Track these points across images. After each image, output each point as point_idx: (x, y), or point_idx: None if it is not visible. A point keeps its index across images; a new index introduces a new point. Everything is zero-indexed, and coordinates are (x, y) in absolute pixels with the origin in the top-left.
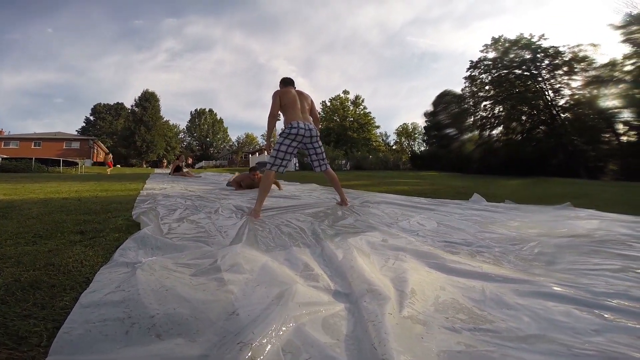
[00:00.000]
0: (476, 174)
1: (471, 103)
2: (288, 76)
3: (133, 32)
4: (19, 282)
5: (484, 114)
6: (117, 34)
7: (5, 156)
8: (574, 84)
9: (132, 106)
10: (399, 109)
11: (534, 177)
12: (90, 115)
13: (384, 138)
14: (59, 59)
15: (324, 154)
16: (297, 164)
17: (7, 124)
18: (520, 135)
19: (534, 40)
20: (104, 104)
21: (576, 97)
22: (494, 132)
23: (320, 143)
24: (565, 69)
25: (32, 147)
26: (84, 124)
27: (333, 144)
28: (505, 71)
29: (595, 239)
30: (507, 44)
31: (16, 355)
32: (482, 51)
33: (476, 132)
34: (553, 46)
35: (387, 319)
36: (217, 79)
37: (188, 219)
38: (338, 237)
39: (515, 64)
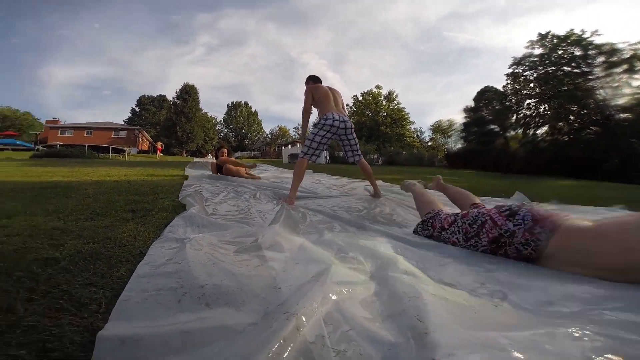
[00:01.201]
0: (518, 174)
1: (514, 100)
2: (315, 74)
3: (171, 27)
4: (80, 254)
5: (528, 112)
6: (156, 29)
7: (62, 143)
8: (635, 83)
9: (173, 98)
10: (434, 104)
11: (582, 180)
12: (136, 106)
13: (419, 134)
14: (106, 53)
15: (357, 146)
16: (327, 157)
17: (62, 113)
18: (567, 135)
19: (585, 36)
20: (147, 95)
21: (638, 96)
22: (539, 131)
23: (354, 135)
24: (624, 66)
25: (85, 135)
26: (130, 115)
27: (365, 139)
28: (552, 68)
29: None
30: (555, 40)
31: (77, 320)
32: (527, 47)
33: (519, 131)
34: (609, 43)
35: (424, 294)
36: (251, 73)
37: (229, 203)
38: (371, 225)
39: (564, 61)
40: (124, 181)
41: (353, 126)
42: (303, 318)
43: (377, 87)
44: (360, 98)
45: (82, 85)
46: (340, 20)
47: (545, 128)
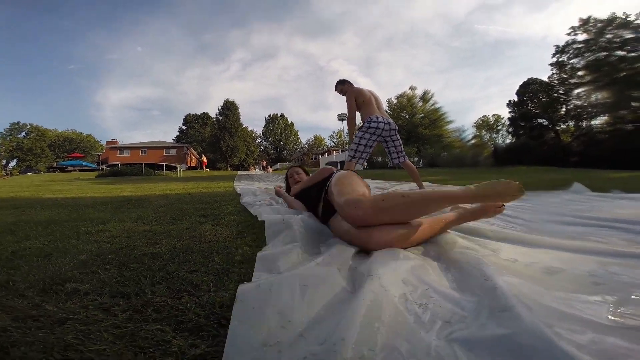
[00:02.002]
0: (575, 167)
1: (561, 91)
2: (344, 78)
3: (206, 46)
4: (176, 249)
5: (579, 102)
6: (193, 49)
7: (121, 162)
8: None
9: (216, 115)
10: (475, 100)
11: None
12: (183, 124)
13: (460, 133)
14: (151, 75)
15: (402, 147)
16: (365, 164)
17: (118, 134)
18: (631, 124)
19: (630, 19)
20: (192, 114)
21: None
22: (594, 122)
23: (398, 136)
24: None
25: (140, 154)
26: (178, 133)
27: (404, 142)
28: (604, 53)
29: None
30: (598, 25)
31: (194, 299)
32: (569, 34)
33: (570, 124)
34: None
35: (490, 260)
36: (284, 85)
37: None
38: None
39: (615, 45)
40: (185, 193)
41: (397, 127)
42: (384, 279)
43: (412, 88)
44: (394, 101)
45: (133, 106)
46: (364, 24)
47: (602, 118)
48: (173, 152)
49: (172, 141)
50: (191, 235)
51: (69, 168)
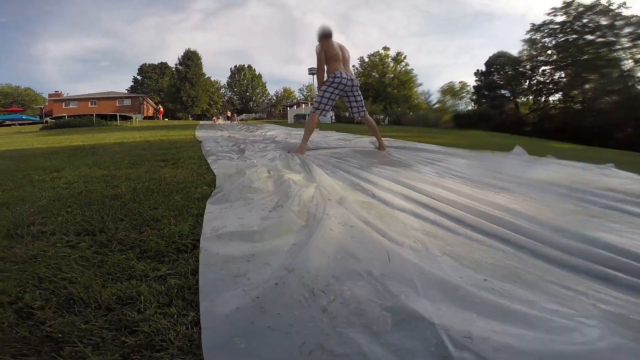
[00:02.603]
0: (528, 136)
1: (528, 67)
2: (327, 25)
3: None
4: (136, 190)
5: (542, 79)
6: None
7: (68, 114)
8: None
9: (176, 64)
10: (445, 67)
11: (591, 147)
12: (138, 74)
13: (427, 96)
14: (99, 25)
15: (362, 102)
16: (333, 117)
17: (61, 87)
18: (580, 104)
19: (612, 7)
20: (149, 63)
21: None
22: (551, 98)
23: (360, 92)
24: None
25: (90, 105)
26: (133, 83)
27: (371, 100)
28: (574, 36)
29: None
30: (580, 9)
31: (156, 232)
32: (549, 14)
33: (530, 98)
34: (636, 15)
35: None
36: (253, 36)
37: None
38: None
39: (588, 30)
40: (142, 141)
41: (359, 84)
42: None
43: (385, 48)
44: (366, 59)
45: (79, 58)
46: None
47: (557, 95)
48: (127, 102)
49: (126, 91)
50: (151, 177)
51: (7, 122)
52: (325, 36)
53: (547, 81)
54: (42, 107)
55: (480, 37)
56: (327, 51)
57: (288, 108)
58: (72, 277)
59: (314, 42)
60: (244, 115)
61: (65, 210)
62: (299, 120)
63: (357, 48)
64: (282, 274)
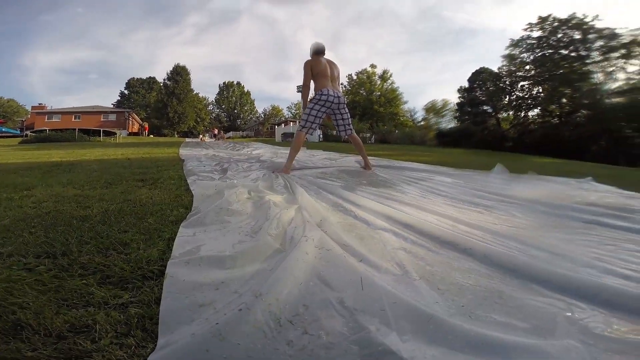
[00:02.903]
0: (510, 152)
1: (507, 82)
2: (320, 42)
3: (160, 7)
4: (108, 212)
5: (521, 94)
6: (144, 11)
7: (50, 128)
8: (631, 69)
9: (164, 79)
10: (429, 84)
11: (569, 160)
12: (125, 89)
13: (412, 114)
14: (91, 38)
15: (349, 120)
16: (320, 135)
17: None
18: (558, 118)
19: (587, 20)
20: (137, 78)
21: (633, 82)
22: (530, 113)
23: (347, 110)
24: (622, 51)
25: (73, 119)
26: (119, 98)
27: (358, 117)
28: (550, 51)
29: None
30: (555, 23)
31: (123, 256)
32: (525, 29)
33: (510, 113)
34: (608, 28)
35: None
36: (244, 52)
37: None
38: (358, 189)
39: (562, 44)
40: (123, 159)
41: (346, 101)
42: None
43: (372, 66)
44: (355, 77)
45: (67, 70)
46: None
47: (537, 110)
48: (112, 117)
49: (112, 106)
50: (126, 199)
51: None
52: (316, 52)
53: (526, 96)
54: (23, 119)
55: (463, 54)
56: (315, 67)
57: (276, 126)
58: (23, 302)
59: (304, 60)
60: (231, 133)
61: (28, 230)
62: (287, 139)
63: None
64: (248, 300)
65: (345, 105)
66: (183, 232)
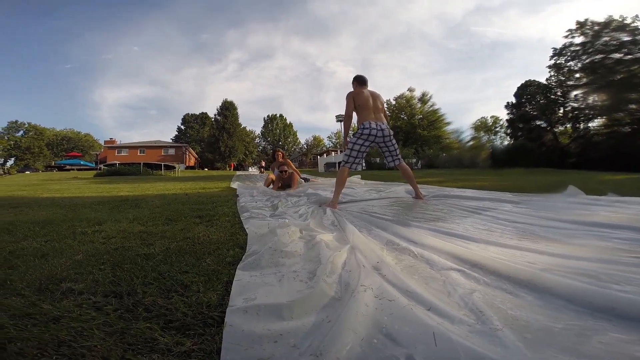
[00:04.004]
0: (574, 169)
1: (559, 93)
2: (362, 74)
3: (203, 46)
4: (169, 250)
5: (576, 104)
6: (190, 49)
7: (119, 162)
8: None
9: (215, 115)
10: (473, 102)
11: None
12: (181, 124)
13: (458, 135)
14: (147, 74)
15: (397, 151)
16: (364, 165)
17: (115, 134)
18: (629, 126)
19: (627, 22)
20: (191, 113)
21: None
22: (592, 124)
23: (394, 141)
24: None
25: (138, 153)
26: (177, 133)
27: (402, 143)
28: (599, 56)
29: None
30: (596, 27)
31: (184, 299)
32: (566, 37)
33: (568, 126)
34: None
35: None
36: (281, 85)
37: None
38: (412, 224)
39: (611, 48)
40: (181, 194)
41: (392, 133)
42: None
43: (410, 89)
44: (393, 102)
45: (130, 105)
46: (361, 25)
47: (599, 120)
48: (171, 151)
49: (171, 141)
50: (185, 236)
51: (67, 167)
52: (357, 82)
53: (583, 107)
54: (97, 153)
55: (503, 68)
56: (357, 98)
57: (318, 157)
58: (92, 345)
59: (338, 89)
60: None
61: (98, 267)
62: (329, 169)
63: (379, 90)
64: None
65: (391, 137)
66: (240, 275)
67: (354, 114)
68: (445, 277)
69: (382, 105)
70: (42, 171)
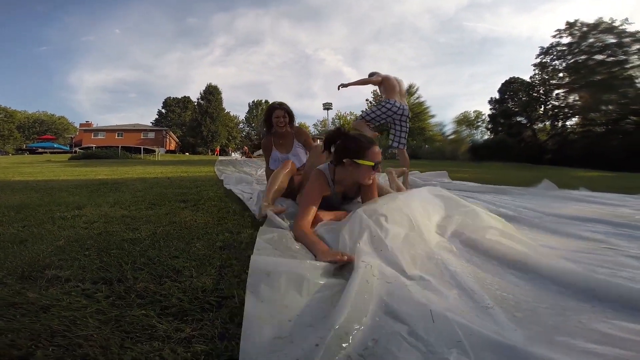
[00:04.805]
0: (550, 165)
1: (541, 91)
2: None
3: (189, 30)
4: (156, 235)
5: (557, 103)
6: (175, 33)
7: (95, 145)
8: None
9: (197, 99)
10: (458, 96)
11: (620, 172)
12: (162, 108)
13: (440, 127)
14: (129, 58)
15: (406, 135)
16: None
17: (92, 117)
18: (604, 126)
19: (615, 24)
20: (173, 97)
21: None
22: (569, 122)
23: (408, 123)
24: None
25: (116, 137)
26: (157, 116)
27: (386, 133)
28: (583, 57)
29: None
30: (584, 29)
31: (176, 284)
32: (554, 36)
33: (547, 123)
34: None
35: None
36: (269, 71)
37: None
38: None
39: (596, 49)
40: (163, 177)
41: (410, 115)
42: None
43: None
44: (379, 92)
45: (109, 89)
46: (354, 14)
47: (575, 119)
48: (151, 135)
49: (151, 124)
50: (171, 220)
51: (39, 150)
52: (377, 73)
53: (562, 105)
54: (72, 136)
55: (491, 64)
56: (387, 81)
57: None
58: (87, 334)
59: (326, 77)
60: (260, 151)
61: (83, 253)
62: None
63: None
64: (322, 334)
65: (407, 118)
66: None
67: (380, 91)
68: (438, 257)
69: (405, 90)
70: (13, 154)
